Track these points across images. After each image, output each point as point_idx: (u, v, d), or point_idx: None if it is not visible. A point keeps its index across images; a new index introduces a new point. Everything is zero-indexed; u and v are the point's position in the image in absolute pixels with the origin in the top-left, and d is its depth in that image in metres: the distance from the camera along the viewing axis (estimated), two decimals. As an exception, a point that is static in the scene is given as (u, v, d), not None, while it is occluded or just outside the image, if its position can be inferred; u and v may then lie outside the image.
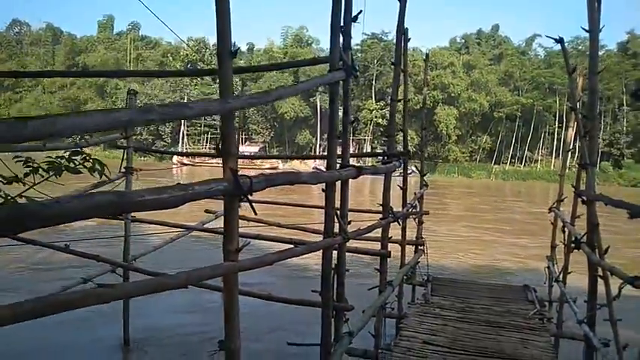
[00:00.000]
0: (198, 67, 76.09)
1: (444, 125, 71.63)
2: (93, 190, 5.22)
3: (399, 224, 5.89)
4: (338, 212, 3.50)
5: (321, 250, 3.39)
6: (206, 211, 8.23)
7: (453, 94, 72.85)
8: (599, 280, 4.36)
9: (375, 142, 72.69)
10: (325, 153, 3.53)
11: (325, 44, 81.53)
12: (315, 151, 74.43)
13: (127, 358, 7.03)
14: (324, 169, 3.67)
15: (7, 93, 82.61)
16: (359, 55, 71.09)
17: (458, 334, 5.81)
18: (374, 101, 75.06)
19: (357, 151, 64.28)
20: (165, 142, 73.45)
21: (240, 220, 2.34)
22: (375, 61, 76.38)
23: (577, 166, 5.66)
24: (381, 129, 70.79)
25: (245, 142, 74.21)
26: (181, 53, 79.73)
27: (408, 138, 6.85)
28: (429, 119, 63.37)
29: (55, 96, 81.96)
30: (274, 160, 60.83)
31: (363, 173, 3.63)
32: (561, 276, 6.64)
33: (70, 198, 1.17)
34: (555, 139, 73.25)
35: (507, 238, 19.05)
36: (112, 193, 1.35)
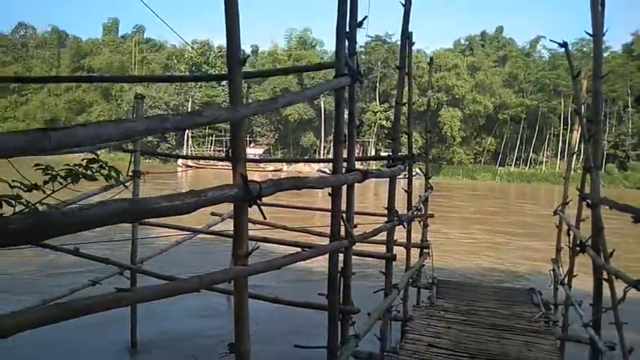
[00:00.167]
0: (203, 69, 76.56)
1: (449, 127, 71.53)
2: (102, 193, 5.29)
3: (404, 227, 5.92)
4: (344, 215, 3.54)
5: (327, 253, 3.43)
6: (212, 213, 8.30)
7: (457, 96, 72.76)
8: (604, 283, 4.37)
9: (380, 143, 72.70)
10: (329, 155, 3.57)
11: (329, 46, 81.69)
12: (319, 153, 74.49)
13: (133, 360, 7.09)
14: (329, 172, 3.72)
15: (13, 95, 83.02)
16: (363, 57, 71.15)
17: (463, 337, 5.82)
18: (378, 103, 75.11)
19: (361, 153, 64.43)
20: (170, 144, 73.66)
21: (247, 223, 2.39)
22: (379, 63, 76.44)
23: (582, 169, 5.67)
24: (385, 131, 70.79)
25: (250, 144, 74.36)
26: (186, 56, 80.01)
27: (413, 140, 6.88)
28: (433, 121, 63.27)
29: (60, 98, 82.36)
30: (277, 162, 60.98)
31: (369, 177, 3.67)
32: (566, 279, 6.65)
33: (89, 206, 1.21)
34: (560, 141, 73.01)
35: (521, 241, 18.85)
36: (127, 201, 1.40)
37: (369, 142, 73.52)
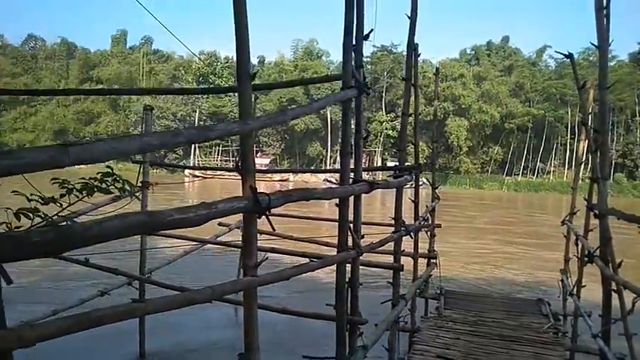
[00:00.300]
0: (210, 80, 77.13)
1: (455, 137, 71.45)
2: (112, 203, 5.34)
3: (412, 237, 5.93)
4: (351, 226, 3.56)
5: (335, 264, 3.45)
6: (219, 224, 8.33)
7: (463, 106, 72.75)
8: (613, 294, 4.35)
9: (386, 153, 72.71)
10: (336, 165, 3.61)
11: (335, 56, 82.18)
12: (325, 163, 74.55)
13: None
14: (335, 181, 3.75)
15: (22, 107, 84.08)
16: (369, 67, 71.40)
17: (471, 348, 5.80)
18: (384, 113, 75.28)
19: (367, 163, 64.40)
20: (177, 154, 74.09)
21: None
22: (385, 73, 76.74)
23: (589, 179, 5.66)
24: (392, 140, 70.83)
25: (257, 154, 74.66)
26: (193, 67, 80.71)
27: (419, 150, 6.91)
28: (439, 131, 63.25)
29: (69, 109, 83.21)
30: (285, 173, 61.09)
31: (376, 188, 3.70)
32: (575, 289, 6.61)
33: (108, 219, 1.26)
34: (567, 150, 72.67)
35: (538, 252, 18.52)
36: (143, 214, 1.43)
37: (375, 151, 73.56)
